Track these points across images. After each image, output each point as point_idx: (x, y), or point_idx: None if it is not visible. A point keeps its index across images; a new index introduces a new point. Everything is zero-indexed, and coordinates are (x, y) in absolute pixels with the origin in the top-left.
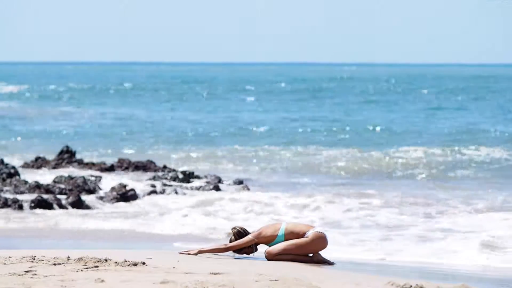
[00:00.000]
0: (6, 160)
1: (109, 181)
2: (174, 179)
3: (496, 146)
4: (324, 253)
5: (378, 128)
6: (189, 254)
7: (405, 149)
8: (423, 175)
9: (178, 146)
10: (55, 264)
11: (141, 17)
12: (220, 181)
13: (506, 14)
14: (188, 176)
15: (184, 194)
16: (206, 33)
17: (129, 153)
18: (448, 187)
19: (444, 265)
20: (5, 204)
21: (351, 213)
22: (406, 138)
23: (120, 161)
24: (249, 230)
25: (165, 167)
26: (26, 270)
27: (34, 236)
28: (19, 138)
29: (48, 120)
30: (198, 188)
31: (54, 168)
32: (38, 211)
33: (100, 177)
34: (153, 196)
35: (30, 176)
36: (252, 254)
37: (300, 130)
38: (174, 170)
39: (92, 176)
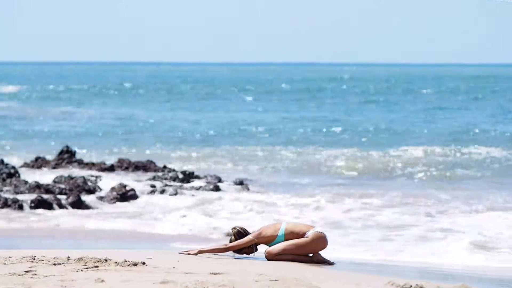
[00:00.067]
0: (6, 160)
1: (109, 181)
2: (174, 179)
3: (496, 146)
4: (324, 253)
5: (378, 128)
6: (189, 254)
7: (405, 149)
8: (423, 175)
9: (178, 146)
10: (55, 264)
11: (141, 17)
12: (220, 181)
13: (506, 14)
14: (188, 176)
15: (184, 194)
16: (206, 33)
17: (129, 153)
18: (448, 187)
19: (444, 265)
20: (5, 204)
21: (351, 213)
22: (406, 138)
23: (120, 161)
24: (249, 230)
25: (165, 167)
26: (26, 270)
27: (34, 236)
28: (19, 138)
29: (48, 120)
30: (198, 188)
31: (54, 168)
32: (38, 211)
33: (100, 177)
34: (153, 196)
35: (30, 176)
36: (252, 254)
37: (300, 130)
38: (174, 170)
39: (92, 176)
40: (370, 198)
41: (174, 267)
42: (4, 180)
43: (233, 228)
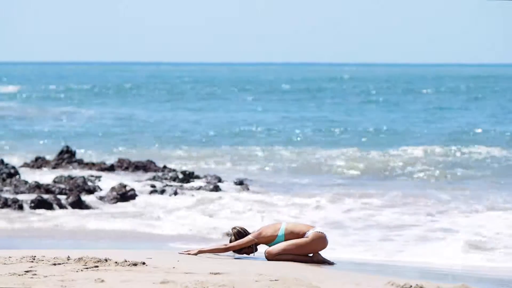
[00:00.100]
0: (6, 160)
1: (109, 181)
2: (174, 179)
3: (496, 146)
4: (324, 253)
5: (378, 128)
6: (189, 254)
7: (405, 149)
8: (423, 175)
9: (178, 146)
10: (55, 264)
11: (141, 17)
12: (220, 181)
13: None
14: (188, 176)
15: (184, 194)
16: (206, 33)
17: (129, 153)
18: (448, 187)
19: (444, 265)
20: (5, 204)
21: (351, 213)
22: (406, 138)
23: (120, 161)
24: (249, 230)
25: (165, 167)
26: (26, 270)
27: (34, 236)
28: (19, 138)
29: (48, 120)
30: (198, 188)
31: (54, 168)
32: (38, 211)
33: (100, 177)
34: (153, 196)
35: (30, 176)
36: (252, 254)
37: (300, 130)
38: (174, 170)
39: (92, 176)
40: (370, 198)
41: (174, 267)
42: (4, 180)
43: (233, 228)
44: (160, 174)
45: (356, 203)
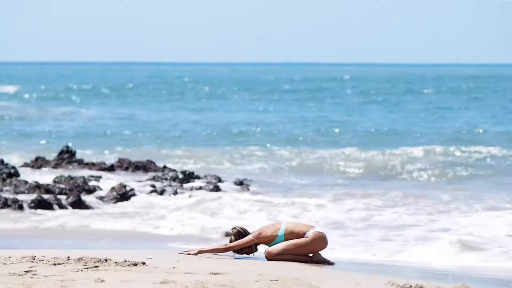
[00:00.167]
0: (6, 160)
1: (109, 181)
2: (174, 179)
3: (496, 146)
4: (324, 253)
5: (378, 128)
6: (189, 254)
7: (405, 149)
8: (424, 175)
9: (178, 146)
10: (55, 264)
11: (141, 17)
12: (220, 181)
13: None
14: (188, 176)
15: (184, 194)
16: (206, 33)
17: (129, 153)
18: (448, 187)
19: (444, 265)
20: (5, 204)
21: (352, 213)
22: (407, 138)
23: (120, 161)
24: (249, 230)
25: (165, 167)
26: (26, 270)
27: (34, 236)
28: (19, 138)
29: (48, 120)
30: (198, 188)
31: (54, 168)
32: (38, 211)
33: (100, 177)
34: (153, 196)
35: (30, 176)
36: (252, 254)
37: (300, 130)
38: (174, 170)
39: (92, 176)
40: (370, 198)
41: (174, 267)
42: (4, 180)
43: (233, 228)
44: (160, 174)
45: (356, 203)
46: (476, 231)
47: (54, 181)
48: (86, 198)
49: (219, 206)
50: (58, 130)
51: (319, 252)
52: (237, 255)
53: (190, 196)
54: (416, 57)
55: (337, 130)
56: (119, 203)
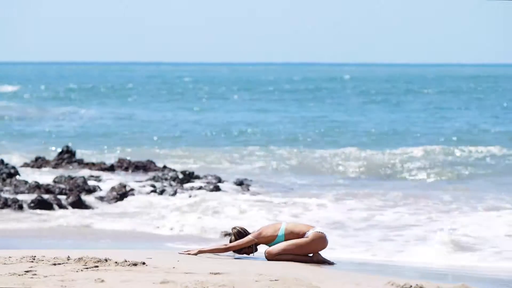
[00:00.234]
0: (6, 160)
1: (109, 181)
2: (174, 179)
3: (496, 145)
4: (324, 253)
5: (379, 128)
6: (189, 254)
7: (405, 149)
8: (424, 175)
9: (178, 146)
10: (55, 264)
11: (141, 17)
12: (220, 181)
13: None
14: (188, 176)
15: (184, 194)
16: (206, 33)
17: (129, 153)
18: (448, 187)
19: (444, 265)
20: (5, 204)
21: (352, 213)
22: (407, 138)
23: (120, 161)
24: (249, 230)
25: (165, 167)
26: (26, 270)
27: (34, 236)
28: (19, 138)
29: (48, 120)
30: (198, 188)
31: (54, 168)
32: (38, 211)
33: (100, 177)
34: (153, 196)
35: (30, 176)
36: (252, 254)
37: (300, 130)
38: (174, 170)
39: (92, 176)
40: (371, 198)
41: (174, 267)
42: (4, 180)
43: (233, 228)
44: (160, 174)
45: (356, 203)
46: (476, 231)
47: (54, 181)
48: (86, 198)
49: (219, 206)
50: (58, 130)
51: (319, 252)
52: (237, 255)
53: (190, 196)
54: (416, 57)
55: (337, 130)
56: (119, 203)
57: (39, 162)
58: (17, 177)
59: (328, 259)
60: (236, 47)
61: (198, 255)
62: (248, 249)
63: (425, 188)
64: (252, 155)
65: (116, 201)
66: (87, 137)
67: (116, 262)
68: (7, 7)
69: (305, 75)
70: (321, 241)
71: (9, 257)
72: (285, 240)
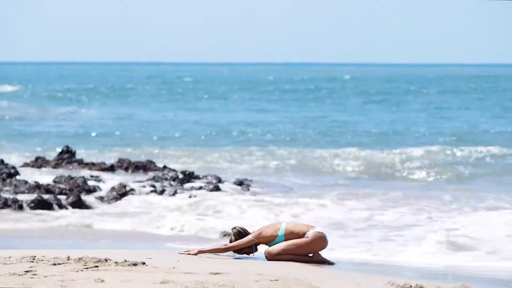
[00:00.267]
0: (6, 160)
1: (109, 181)
2: (174, 179)
3: (496, 145)
4: (324, 253)
5: (379, 128)
6: (189, 254)
7: (405, 149)
8: (424, 175)
9: (178, 146)
10: (55, 264)
11: (141, 17)
12: (220, 181)
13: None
14: (188, 176)
15: (184, 194)
16: (206, 33)
17: (129, 153)
18: (449, 187)
19: (444, 265)
20: (5, 204)
21: (352, 213)
22: (407, 138)
23: (120, 161)
24: (249, 230)
25: (165, 167)
26: (26, 270)
27: (34, 236)
28: (19, 138)
29: (48, 120)
30: (198, 188)
31: (54, 168)
32: (38, 211)
33: (100, 177)
34: (153, 196)
35: (30, 176)
36: (252, 254)
37: (301, 130)
38: (174, 170)
39: (92, 176)
40: (371, 198)
41: (174, 267)
42: (4, 180)
43: (233, 228)
44: (160, 174)
45: (356, 203)
46: (476, 231)
47: (54, 181)
48: (86, 198)
49: (219, 206)
50: (58, 130)
51: (319, 252)
52: (237, 255)
53: (190, 196)
54: (416, 57)
55: (337, 130)
56: (119, 203)
57: (39, 162)
58: (17, 177)
59: (328, 259)
60: (236, 47)
61: (198, 255)
62: (248, 249)
63: (425, 188)
64: (252, 155)
65: (116, 201)
66: (87, 137)
67: (116, 262)
68: (7, 7)
69: (305, 75)
70: (321, 241)
71: (9, 257)
72: (285, 240)
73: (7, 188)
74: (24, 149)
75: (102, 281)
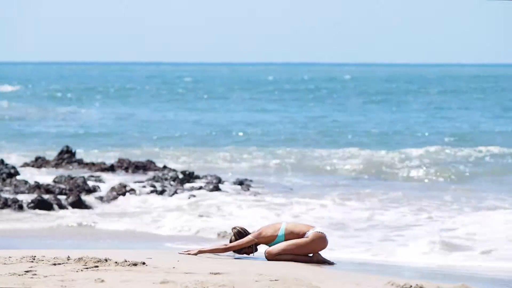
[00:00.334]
0: (6, 160)
1: (109, 181)
2: (174, 179)
3: (496, 145)
4: (324, 253)
5: (379, 128)
6: (189, 254)
7: (406, 149)
8: (424, 175)
9: (178, 146)
10: (55, 264)
11: (141, 17)
12: (220, 181)
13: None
14: (188, 176)
15: (184, 194)
16: (206, 33)
17: (129, 153)
18: (449, 187)
19: (444, 265)
20: (5, 204)
21: (352, 213)
22: (407, 138)
23: (120, 161)
24: (249, 230)
25: (165, 167)
26: (26, 270)
27: (34, 236)
28: (19, 138)
29: (48, 120)
30: (198, 188)
31: (54, 168)
32: (38, 211)
33: (100, 177)
34: (153, 196)
35: (30, 176)
36: (252, 254)
37: (300, 130)
38: (174, 170)
39: (92, 176)
40: (371, 198)
41: (174, 267)
42: (4, 180)
43: (233, 228)
44: (160, 174)
45: (356, 203)
46: (476, 231)
47: (54, 181)
48: (86, 198)
49: (219, 206)
50: (58, 130)
51: (319, 252)
52: (237, 255)
53: (190, 197)
54: (416, 57)
55: (337, 130)
56: (119, 203)
57: (39, 162)
58: (17, 177)
59: (328, 259)
60: (236, 47)
61: (198, 255)
62: (248, 249)
63: (425, 188)
64: (252, 155)
65: (116, 201)
66: (87, 137)
67: (116, 262)
68: (7, 7)
69: (305, 75)
70: (321, 241)
71: (9, 257)
72: (285, 240)
73: (7, 188)
74: (24, 149)
75: (102, 281)
